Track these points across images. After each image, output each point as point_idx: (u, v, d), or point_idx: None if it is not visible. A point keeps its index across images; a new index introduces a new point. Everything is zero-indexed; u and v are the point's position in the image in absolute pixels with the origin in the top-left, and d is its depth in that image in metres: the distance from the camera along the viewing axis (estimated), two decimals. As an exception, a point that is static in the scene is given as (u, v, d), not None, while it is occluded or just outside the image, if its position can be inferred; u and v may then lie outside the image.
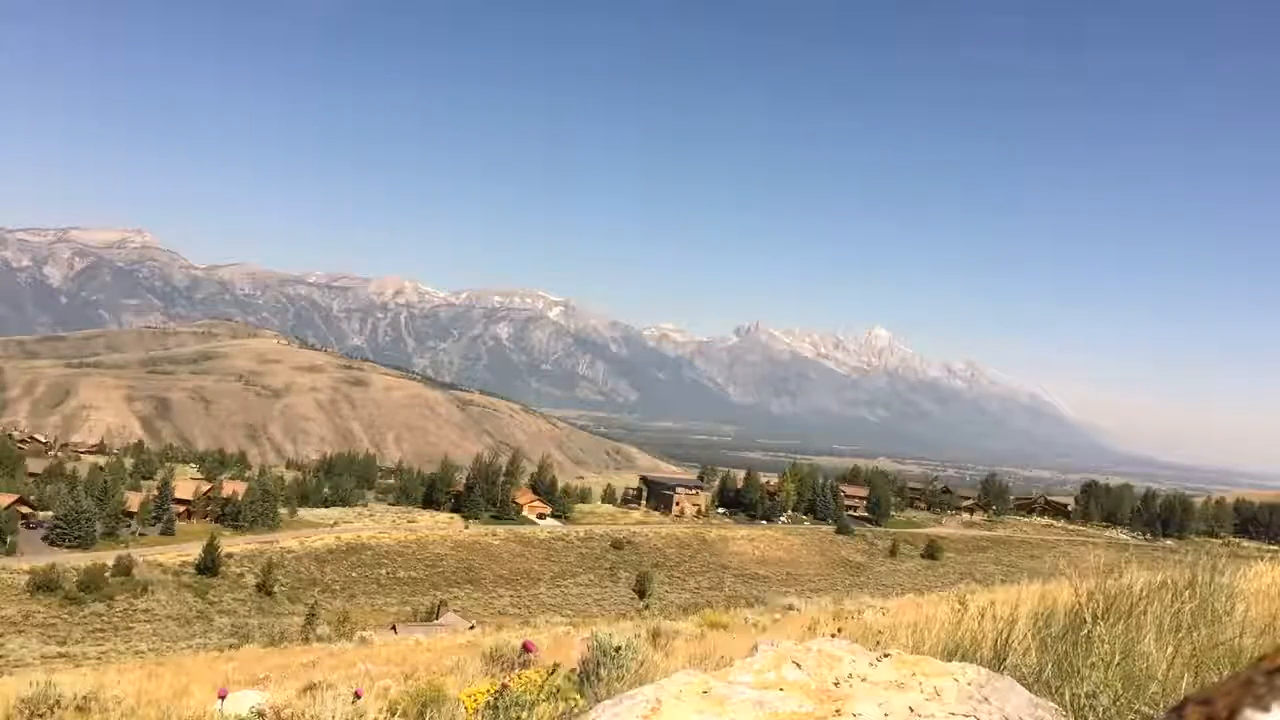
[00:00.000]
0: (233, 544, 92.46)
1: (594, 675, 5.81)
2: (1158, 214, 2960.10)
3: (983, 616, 4.16)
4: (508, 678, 4.44)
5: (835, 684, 2.65)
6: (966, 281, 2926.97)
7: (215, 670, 25.20)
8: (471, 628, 53.03)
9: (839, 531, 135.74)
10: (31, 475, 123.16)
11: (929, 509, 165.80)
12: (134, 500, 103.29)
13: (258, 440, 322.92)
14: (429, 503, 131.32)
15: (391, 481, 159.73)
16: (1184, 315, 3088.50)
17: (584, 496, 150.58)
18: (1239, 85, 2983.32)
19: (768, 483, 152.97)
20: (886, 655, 2.85)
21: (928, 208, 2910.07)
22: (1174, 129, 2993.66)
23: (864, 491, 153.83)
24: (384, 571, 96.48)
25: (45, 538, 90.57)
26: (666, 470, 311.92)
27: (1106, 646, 3.40)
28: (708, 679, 2.67)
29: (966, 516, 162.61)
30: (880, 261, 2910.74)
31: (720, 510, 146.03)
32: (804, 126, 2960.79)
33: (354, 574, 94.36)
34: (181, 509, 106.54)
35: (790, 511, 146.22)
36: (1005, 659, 3.70)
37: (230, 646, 48.13)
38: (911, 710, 2.48)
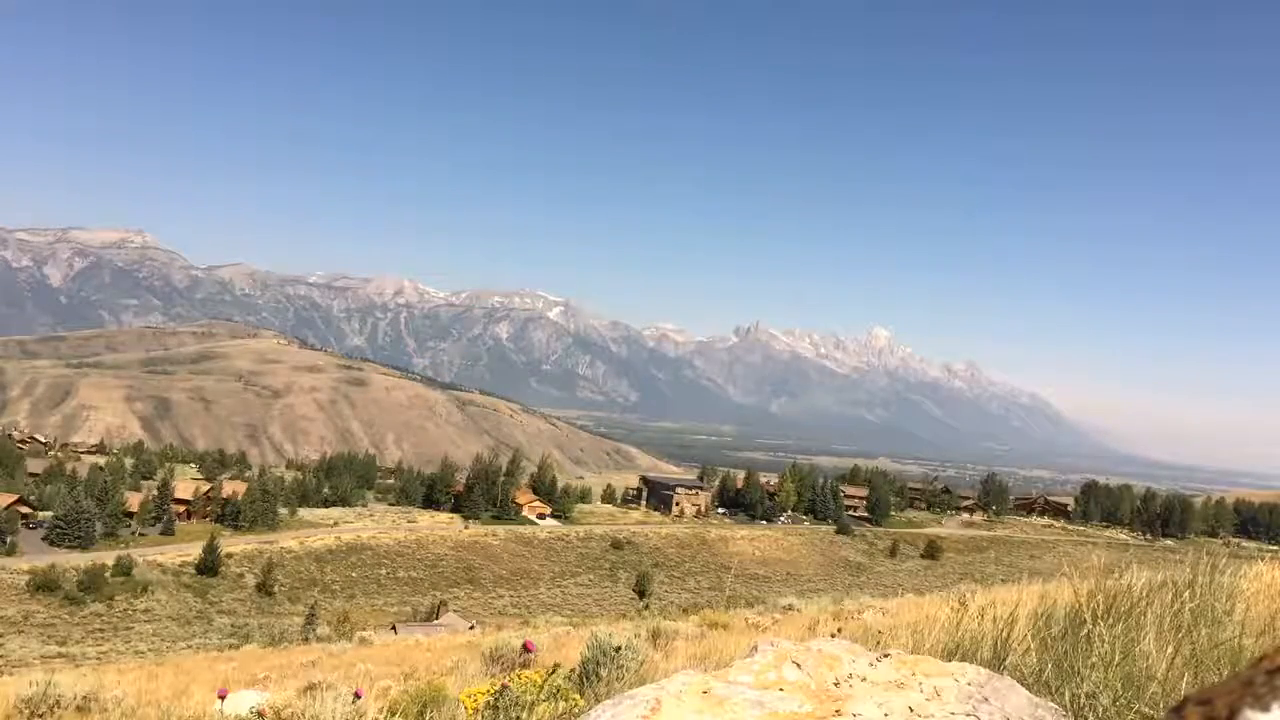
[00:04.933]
0: (233, 544, 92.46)
1: (594, 675, 5.81)
2: (1158, 214, 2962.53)
3: (983, 616, 4.15)
4: (508, 678, 4.44)
5: (835, 684, 2.65)
6: (967, 281, 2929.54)
7: (215, 670, 25.20)
8: (471, 628, 53.04)
9: (839, 531, 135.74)
10: (31, 475, 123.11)
11: (929, 509, 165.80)
12: (134, 500, 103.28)
13: (258, 440, 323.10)
14: (429, 503, 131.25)
15: (391, 481, 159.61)
16: (1184, 315, 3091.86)
17: (584, 496, 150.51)
18: (1241, 83, 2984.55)
19: (768, 483, 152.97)
20: (886, 655, 2.85)
21: (928, 208, 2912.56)
22: (1174, 128, 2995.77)
23: (864, 491, 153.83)
24: (384, 571, 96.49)
25: (45, 538, 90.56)
26: (666, 470, 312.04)
27: (1106, 646, 3.40)
28: (708, 679, 2.67)
29: (966, 516, 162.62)
30: (880, 261, 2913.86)
31: (720, 510, 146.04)
32: (804, 127, 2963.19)
33: (354, 574, 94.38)
34: (181, 509, 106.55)
35: (790, 511, 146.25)
36: (1005, 659, 3.70)
37: (230, 646, 48.12)
38: (911, 710, 2.48)
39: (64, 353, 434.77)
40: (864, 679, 2.67)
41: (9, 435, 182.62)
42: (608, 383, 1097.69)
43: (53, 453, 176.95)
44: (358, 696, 7.58)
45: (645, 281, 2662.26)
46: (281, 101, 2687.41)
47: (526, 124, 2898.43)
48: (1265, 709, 1.40)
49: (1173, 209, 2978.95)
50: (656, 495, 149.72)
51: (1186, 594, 3.93)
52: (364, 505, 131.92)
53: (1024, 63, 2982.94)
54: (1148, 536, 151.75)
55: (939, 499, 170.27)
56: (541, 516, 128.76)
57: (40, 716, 11.25)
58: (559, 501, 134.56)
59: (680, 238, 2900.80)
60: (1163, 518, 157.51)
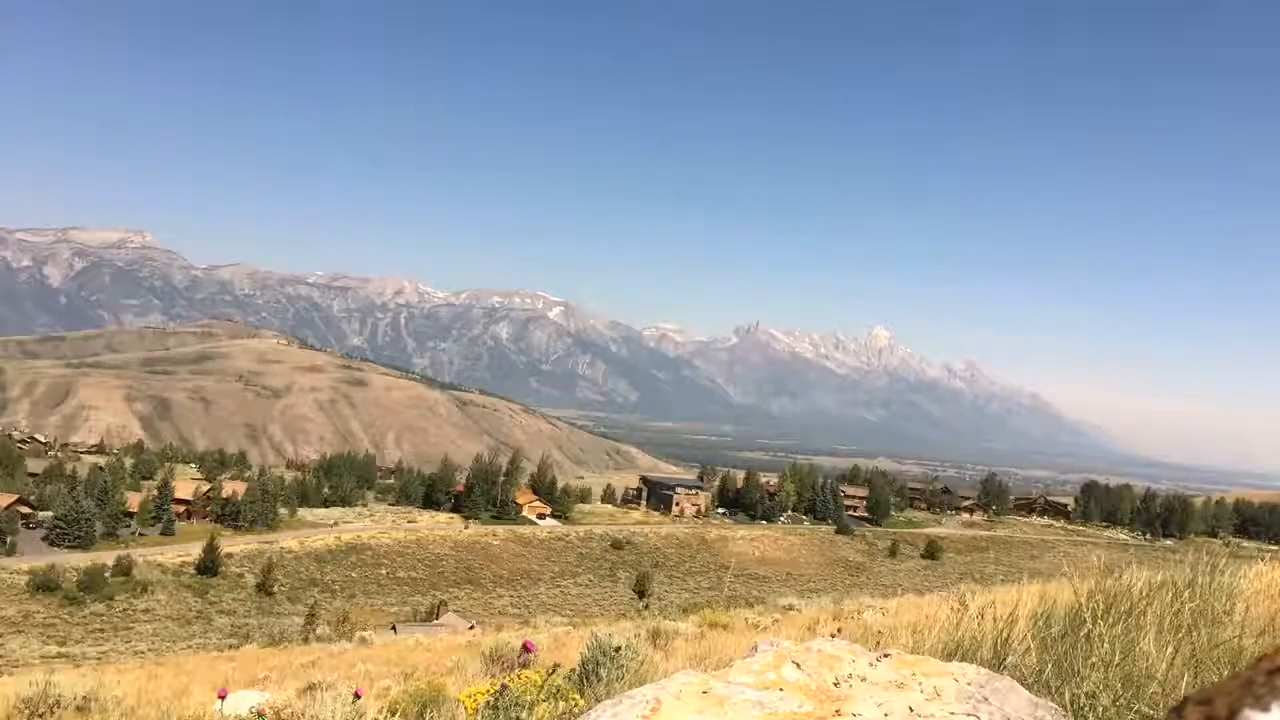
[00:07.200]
0: (233, 544, 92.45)
1: (594, 675, 5.81)
2: (1158, 213, 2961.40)
3: (982, 616, 4.16)
4: (507, 678, 4.44)
5: (835, 684, 2.65)
6: (967, 281, 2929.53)
7: (215, 670, 25.22)
8: (471, 628, 53.03)
9: (839, 531, 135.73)
10: (31, 475, 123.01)
11: (929, 509, 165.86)
12: (134, 500, 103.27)
13: (258, 440, 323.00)
14: (429, 503, 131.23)
15: (391, 481, 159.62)
16: (1184, 315, 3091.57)
17: (584, 496, 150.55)
18: (1244, 77, 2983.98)
19: (768, 483, 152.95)
20: (886, 655, 2.85)
21: (928, 207, 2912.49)
22: (1174, 126, 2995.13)
23: (864, 491, 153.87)
24: (384, 571, 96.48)
25: (45, 538, 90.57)
26: (666, 470, 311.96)
27: (1106, 646, 3.40)
28: (707, 679, 2.67)
29: (966, 516, 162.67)
30: (880, 261, 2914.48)
31: (720, 510, 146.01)
32: (804, 126, 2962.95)
33: (354, 574, 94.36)
34: (181, 509, 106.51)
35: (790, 511, 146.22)
36: (1005, 659, 3.70)
37: (230, 647, 48.15)
38: (911, 710, 2.48)
39: (64, 353, 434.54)
40: (864, 679, 2.67)
41: (9, 435, 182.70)
42: (608, 383, 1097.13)
43: (53, 453, 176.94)
44: (357, 696, 7.58)
45: (645, 281, 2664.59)
46: (281, 101, 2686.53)
47: (526, 123, 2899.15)
48: (1265, 709, 1.40)
49: (1172, 208, 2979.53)
50: (656, 495, 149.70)
51: (1186, 594, 3.93)
52: (364, 505, 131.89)
53: (1025, 60, 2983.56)
54: (1148, 536, 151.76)
55: (939, 499, 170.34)
56: (541, 516, 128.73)
57: (40, 716, 11.25)
58: (559, 501, 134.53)
59: (680, 238, 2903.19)
60: (1163, 518, 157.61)
